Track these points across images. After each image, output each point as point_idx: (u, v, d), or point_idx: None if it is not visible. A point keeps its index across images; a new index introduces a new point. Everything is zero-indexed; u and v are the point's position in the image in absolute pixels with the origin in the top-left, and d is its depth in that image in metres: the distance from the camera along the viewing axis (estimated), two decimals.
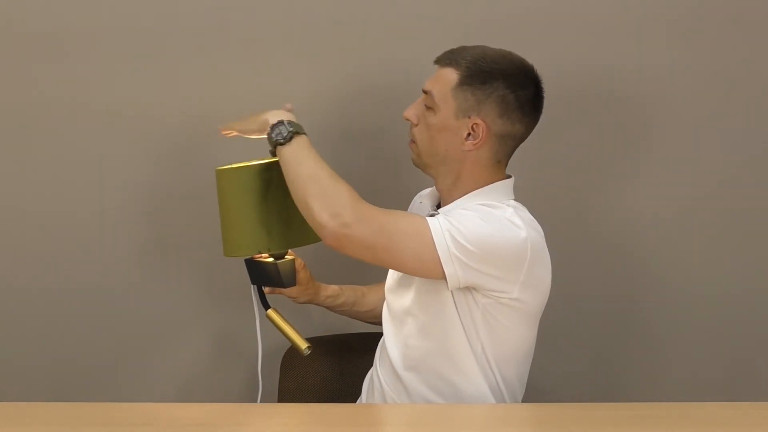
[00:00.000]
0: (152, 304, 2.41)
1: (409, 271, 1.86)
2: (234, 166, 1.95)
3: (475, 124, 1.85)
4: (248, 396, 2.45)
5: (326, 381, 2.24)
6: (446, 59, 1.89)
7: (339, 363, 2.26)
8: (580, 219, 2.38)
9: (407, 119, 1.93)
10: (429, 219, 1.82)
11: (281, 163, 1.88)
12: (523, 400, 1.98)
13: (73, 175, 2.34)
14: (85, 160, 2.33)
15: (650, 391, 2.45)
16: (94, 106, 2.29)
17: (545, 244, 1.89)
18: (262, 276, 2.03)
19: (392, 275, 2.02)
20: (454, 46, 1.91)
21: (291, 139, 1.86)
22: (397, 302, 1.97)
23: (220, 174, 1.96)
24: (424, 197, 2.04)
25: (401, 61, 2.29)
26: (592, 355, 2.44)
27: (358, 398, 2.11)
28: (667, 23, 2.30)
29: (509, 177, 1.95)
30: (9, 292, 2.38)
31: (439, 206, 1.97)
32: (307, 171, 1.84)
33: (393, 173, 2.30)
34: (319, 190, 1.81)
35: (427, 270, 1.82)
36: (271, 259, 2.00)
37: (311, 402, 2.16)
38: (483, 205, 1.85)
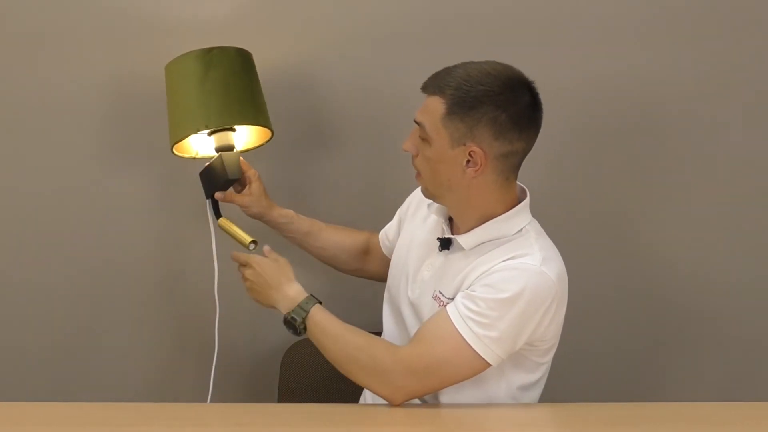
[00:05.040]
0: (150, 305, 2.41)
1: (469, 378, 1.82)
2: (188, 55, 2.07)
3: (472, 151, 1.77)
4: (248, 396, 2.45)
5: (326, 381, 2.24)
6: (431, 87, 1.79)
7: None
8: (578, 219, 2.37)
9: (406, 151, 1.86)
10: (452, 316, 1.77)
11: None
12: None
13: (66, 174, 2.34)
14: (74, 161, 2.33)
15: (650, 391, 2.45)
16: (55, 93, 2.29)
17: (565, 271, 1.85)
18: (212, 180, 2.11)
19: (397, 284, 1.99)
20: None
21: (305, 328, 1.86)
22: (408, 318, 1.96)
23: (167, 68, 2.09)
24: (434, 211, 1.94)
25: (402, 61, 2.28)
26: (592, 356, 2.44)
27: (358, 398, 2.11)
28: (688, 23, 2.29)
29: (523, 190, 1.90)
30: (8, 291, 2.38)
31: (451, 220, 1.92)
32: (336, 354, 1.84)
33: (392, 172, 2.31)
34: (357, 367, 1.82)
35: (481, 368, 1.79)
36: (216, 155, 2.09)
37: (311, 402, 2.16)
38: (508, 260, 1.79)
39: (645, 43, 2.29)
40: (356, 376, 1.83)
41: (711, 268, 2.41)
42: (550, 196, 2.31)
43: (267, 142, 2.18)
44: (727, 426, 1.77)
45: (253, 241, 2.05)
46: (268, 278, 1.92)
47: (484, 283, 1.78)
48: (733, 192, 2.37)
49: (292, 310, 1.87)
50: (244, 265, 1.97)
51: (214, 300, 2.14)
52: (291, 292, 1.90)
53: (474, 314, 1.75)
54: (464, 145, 1.77)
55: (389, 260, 2.11)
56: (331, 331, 1.85)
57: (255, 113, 2.09)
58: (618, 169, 2.36)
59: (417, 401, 1.90)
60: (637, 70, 2.30)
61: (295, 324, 1.86)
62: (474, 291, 1.78)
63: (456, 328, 1.76)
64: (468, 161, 1.78)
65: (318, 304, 1.88)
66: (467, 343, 1.75)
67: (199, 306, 2.30)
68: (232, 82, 2.07)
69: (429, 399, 1.90)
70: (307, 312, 1.86)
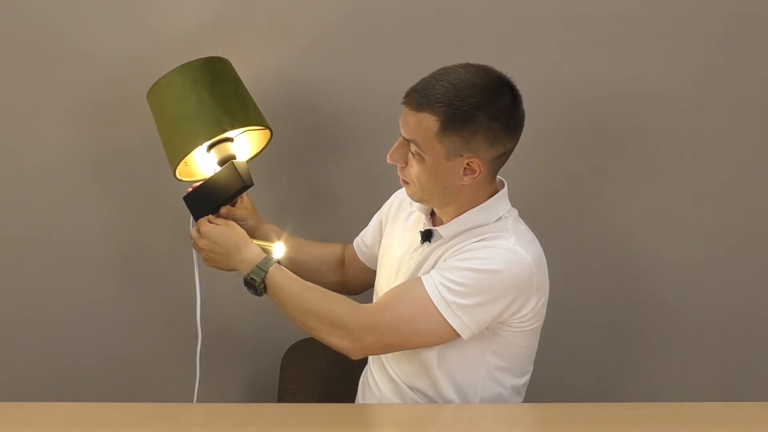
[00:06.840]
0: (149, 304, 2.41)
1: (433, 344, 1.85)
2: (169, 74, 2.01)
3: (470, 161, 1.80)
4: (248, 396, 2.45)
5: (326, 381, 2.24)
6: (418, 103, 1.78)
7: (339, 363, 2.26)
8: (577, 222, 2.37)
9: (393, 163, 1.87)
10: (425, 281, 1.81)
11: None
12: (524, 401, 1.98)
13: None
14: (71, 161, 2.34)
15: (650, 391, 2.45)
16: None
17: (544, 257, 1.88)
18: (212, 197, 2.02)
19: (384, 284, 2.01)
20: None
21: (265, 288, 1.89)
22: None
23: (150, 95, 2.03)
24: (417, 207, 1.96)
25: (395, 61, 2.28)
26: (592, 356, 2.44)
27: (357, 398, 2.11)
28: (664, 26, 2.30)
29: (501, 181, 1.93)
30: (8, 291, 2.39)
31: (432, 214, 1.95)
32: (295, 310, 1.87)
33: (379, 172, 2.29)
34: (317, 321, 1.85)
35: (446, 336, 1.82)
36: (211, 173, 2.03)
37: (311, 402, 2.16)
38: (481, 240, 1.84)
39: (641, 44, 2.29)
40: (316, 330, 1.85)
41: (709, 267, 2.41)
42: (543, 195, 2.32)
43: (268, 143, 2.14)
44: (727, 426, 1.77)
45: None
46: (224, 244, 1.95)
47: (459, 257, 1.82)
48: (730, 192, 2.37)
49: (252, 272, 1.90)
50: (196, 242, 1.99)
51: (197, 324, 2.10)
52: (249, 254, 1.93)
53: (447, 281, 1.79)
54: (461, 156, 1.79)
55: (367, 268, 2.15)
56: (290, 288, 1.88)
57: (247, 114, 2.05)
58: (613, 171, 2.36)
59: (418, 401, 1.91)
60: (632, 72, 2.30)
61: (255, 284, 1.89)
62: (448, 262, 1.82)
63: (426, 292, 1.80)
64: (465, 169, 1.81)
65: (276, 264, 1.91)
66: (435, 306, 1.79)
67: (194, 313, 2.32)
68: (216, 91, 2.02)
69: (412, 367, 1.90)
70: (266, 272, 1.89)
